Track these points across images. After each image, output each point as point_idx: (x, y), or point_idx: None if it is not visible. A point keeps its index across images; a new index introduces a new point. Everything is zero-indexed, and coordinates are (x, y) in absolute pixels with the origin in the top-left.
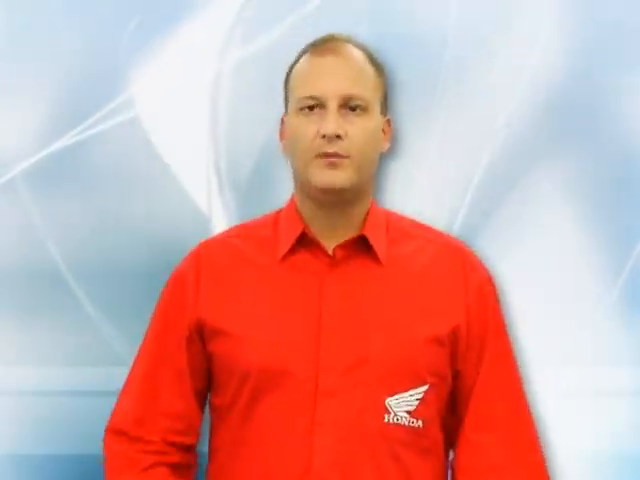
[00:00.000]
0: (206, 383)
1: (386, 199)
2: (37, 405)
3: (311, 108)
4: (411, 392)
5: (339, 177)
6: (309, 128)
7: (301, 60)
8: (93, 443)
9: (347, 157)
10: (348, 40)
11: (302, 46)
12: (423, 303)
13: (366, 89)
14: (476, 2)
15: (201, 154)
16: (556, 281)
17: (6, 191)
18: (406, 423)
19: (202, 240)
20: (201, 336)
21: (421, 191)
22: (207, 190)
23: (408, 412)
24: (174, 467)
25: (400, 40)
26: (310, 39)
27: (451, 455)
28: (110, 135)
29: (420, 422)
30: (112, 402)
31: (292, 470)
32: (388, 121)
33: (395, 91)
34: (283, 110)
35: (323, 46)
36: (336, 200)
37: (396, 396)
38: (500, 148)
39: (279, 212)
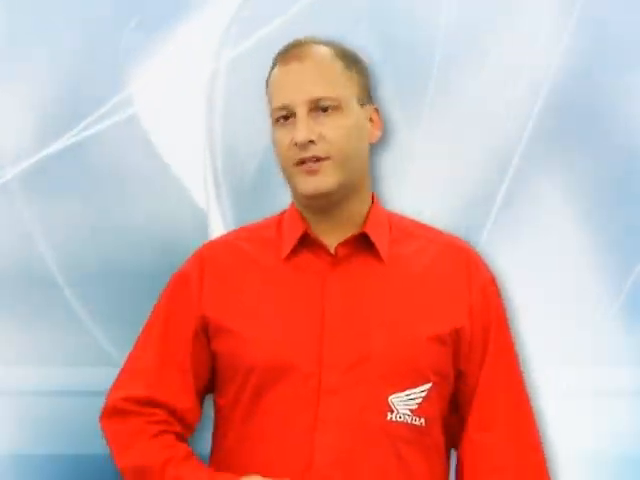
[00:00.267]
0: (206, 383)
1: (385, 199)
2: (37, 405)
3: (286, 118)
4: (414, 390)
5: (321, 182)
6: (285, 138)
7: (272, 71)
8: (93, 443)
9: (327, 158)
10: (313, 41)
11: None
12: (426, 301)
13: (334, 88)
14: (476, 2)
15: (198, 153)
16: (556, 281)
17: (3, 193)
18: (408, 421)
19: (200, 239)
20: (206, 334)
21: (421, 191)
22: (205, 189)
23: (411, 410)
24: (179, 436)
25: (399, 39)
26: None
27: (452, 454)
28: (107, 135)
29: (422, 420)
30: None
31: (294, 466)
32: (376, 110)
33: (395, 91)
34: None
35: (288, 53)
36: (327, 202)
37: (399, 394)
38: (500, 148)
39: (283, 213)
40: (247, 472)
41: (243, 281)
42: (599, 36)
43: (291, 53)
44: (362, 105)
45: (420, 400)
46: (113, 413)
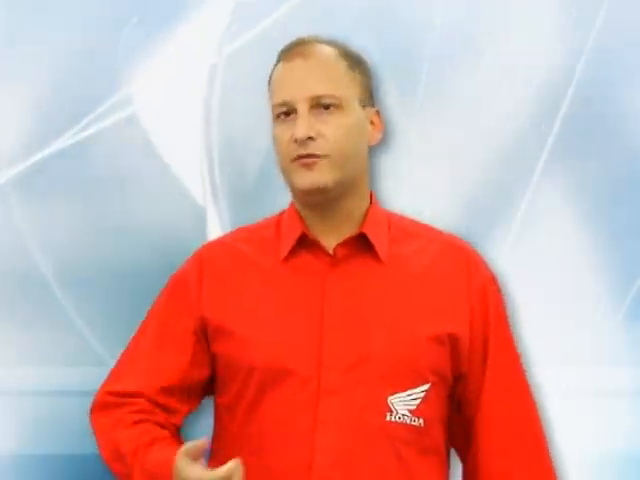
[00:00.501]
0: (204, 383)
1: (385, 199)
2: (37, 405)
3: (287, 114)
4: (413, 391)
5: (316, 177)
6: (285, 134)
7: (275, 68)
8: (92, 443)
9: (325, 156)
10: (317, 40)
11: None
12: (425, 302)
13: (337, 86)
14: (476, 2)
15: (196, 154)
16: (556, 281)
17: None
18: (408, 421)
19: (198, 240)
20: (205, 335)
21: (421, 191)
22: (203, 189)
23: (410, 410)
24: (159, 424)
25: (397, 37)
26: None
27: (452, 455)
28: (104, 136)
29: (421, 420)
30: None
31: (294, 467)
32: (377, 112)
33: (395, 90)
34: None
35: (292, 51)
36: (323, 199)
37: (398, 394)
38: (500, 148)
39: (282, 214)
40: (247, 473)
41: (242, 282)
42: (599, 36)
43: (295, 50)
44: (363, 107)
45: (419, 401)
46: (98, 407)
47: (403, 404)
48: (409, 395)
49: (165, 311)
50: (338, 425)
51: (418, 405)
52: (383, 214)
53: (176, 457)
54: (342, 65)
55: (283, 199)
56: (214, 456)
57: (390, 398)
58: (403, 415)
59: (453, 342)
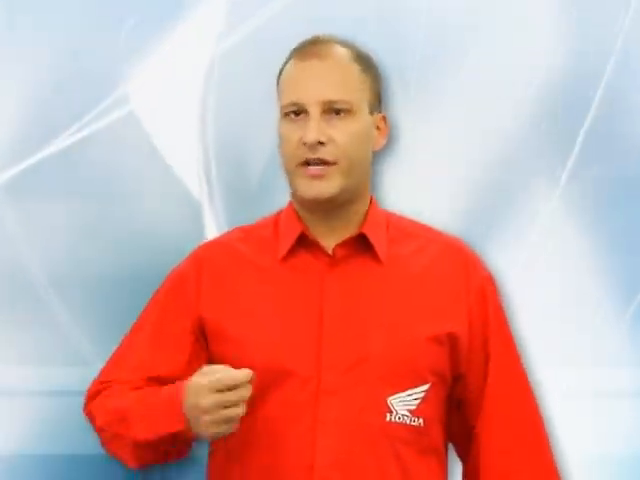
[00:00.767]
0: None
1: (385, 199)
2: (37, 405)
3: (296, 114)
4: (412, 391)
5: (326, 188)
6: (293, 135)
7: (287, 64)
8: (93, 443)
9: (334, 163)
10: (333, 40)
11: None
12: (424, 302)
13: (350, 92)
14: (476, 2)
15: (193, 154)
16: (556, 282)
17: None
18: (407, 422)
19: (195, 240)
20: (203, 335)
21: (420, 191)
22: (200, 190)
23: (409, 411)
24: None
25: (395, 36)
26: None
27: (450, 455)
28: (97, 139)
29: (421, 421)
30: None
31: (295, 468)
32: (383, 117)
33: (395, 90)
34: (274, 108)
35: (307, 49)
36: (328, 207)
37: (397, 395)
38: (500, 148)
39: (280, 213)
40: (248, 474)
41: (240, 282)
42: (599, 36)
43: (310, 50)
44: (372, 112)
45: (419, 401)
46: (90, 397)
47: (403, 404)
48: (409, 395)
49: (163, 309)
50: (338, 425)
51: (418, 405)
52: (382, 214)
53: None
54: (356, 69)
55: (281, 198)
56: (214, 457)
57: (390, 398)
58: (403, 415)
59: (452, 342)
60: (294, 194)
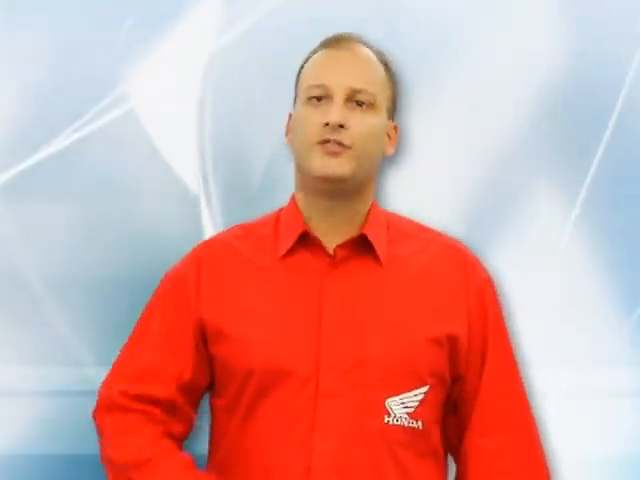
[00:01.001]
0: (204, 383)
1: (385, 199)
2: (37, 405)
3: (319, 99)
4: (411, 393)
5: (340, 166)
6: (315, 117)
7: (314, 55)
8: (93, 443)
9: (349, 147)
10: (361, 40)
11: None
12: (423, 304)
13: (374, 85)
14: (476, 2)
15: (191, 154)
16: (556, 282)
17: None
18: (406, 424)
19: (191, 239)
20: (204, 337)
21: (420, 191)
22: (197, 188)
23: (408, 413)
24: (176, 439)
25: (394, 35)
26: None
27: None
28: (95, 138)
29: (420, 423)
30: None
31: (292, 470)
32: (395, 127)
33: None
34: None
35: (337, 42)
36: (335, 190)
37: (396, 397)
38: (500, 148)
39: (280, 211)
40: (247, 474)
41: (240, 281)
42: (599, 36)
43: (340, 42)
44: (388, 118)
45: (417, 403)
46: (111, 407)
47: (401, 407)
48: (407, 397)
49: (167, 310)
50: (336, 427)
51: (416, 408)
52: (382, 215)
53: None
54: (381, 69)
55: (279, 197)
56: (212, 457)
57: (388, 401)
58: (401, 418)
59: (451, 344)
60: (304, 177)
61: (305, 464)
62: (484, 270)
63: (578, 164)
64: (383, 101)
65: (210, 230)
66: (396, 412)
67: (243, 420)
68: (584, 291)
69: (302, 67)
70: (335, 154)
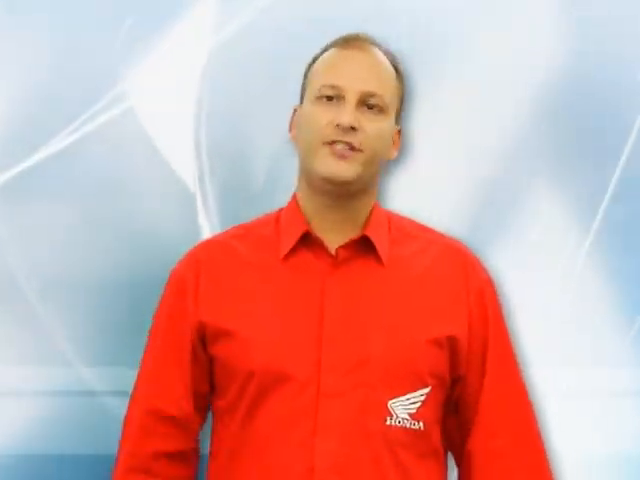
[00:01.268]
0: (208, 387)
1: (385, 199)
2: (37, 405)
3: (329, 98)
4: (413, 394)
5: (347, 169)
6: (324, 116)
7: (326, 53)
8: (92, 443)
9: (359, 150)
10: (373, 42)
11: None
12: (425, 304)
13: (386, 90)
14: (475, 2)
15: (189, 153)
16: (556, 282)
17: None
18: (407, 425)
19: (189, 242)
20: (203, 340)
21: (420, 192)
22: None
23: (409, 414)
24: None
25: (394, 36)
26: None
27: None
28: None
29: (421, 424)
30: (112, 402)
31: (294, 471)
32: (399, 132)
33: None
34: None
35: (349, 42)
36: (339, 192)
37: (397, 398)
38: (500, 148)
39: (280, 211)
40: (248, 475)
41: (240, 282)
42: (599, 36)
43: (353, 43)
44: (395, 121)
45: (419, 404)
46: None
47: (403, 408)
48: (409, 399)
49: (166, 321)
50: (338, 428)
51: (418, 409)
52: (384, 215)
53: None
54: (392, 72)
55: (277, 197)
56: (213, 458)
57: (390, 402)
58: (403, 419)
59: (452, 345)
60: (308, 175)
61: (307, 464)
62: (484, 270)
63: (578, 164)
64: (392, 105)
65: (207, 228)
66: (398, 413)
67: (244, 421)
68: (584, 291)
69: (312, 63)
70: (343, 157)
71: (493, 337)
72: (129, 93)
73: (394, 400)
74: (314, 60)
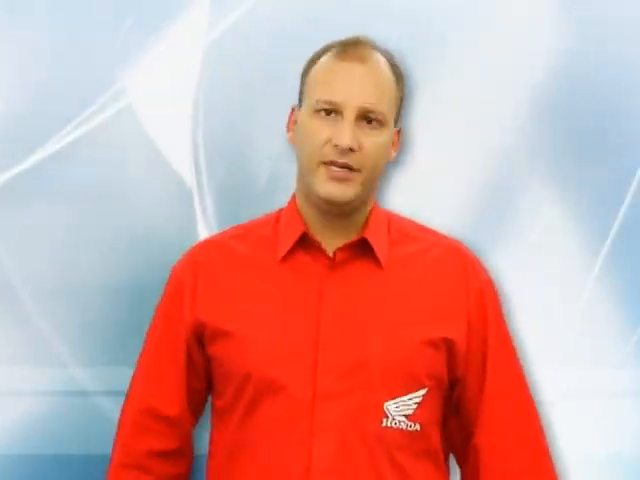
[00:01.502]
0: (204, 387)
1: (385, 199)
2: (36, 405)
3: (328, 112)
4: (409, 396)
5: (345, 192)
6: (322, 132)
7: (324, 58)
8: (92, 443)
9: (358, 171)
10: (374, 46)
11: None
12: (423, 306)
13: (385, 103)
14: (475, 1)
15: (188, 152)
16: (556, 282)
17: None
18: (404, 427)
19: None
20: (200, 340)
21: (420, 192)
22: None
23: (406, 416)
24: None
25: (394, 36)
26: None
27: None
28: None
29: (418, 425)
30: (111, 402)
31: (291, 472)
32: (398, 131)
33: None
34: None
35: (350, 51)
36: (338, 210)
37: (395, 400)
38: (500, 148)
39: (280, 211)
40: (246, 475)
41: (238, 283)
42: (599, 36)
43: (352, 52)
44: (395, 125)
45: (415, 406)
46: (120, 465)
47: (399, 410)
48: (405, 401)
49: (165, 320)
50: (335, 430)
51: (415, 410)
52: (383, 216)
53: None
54: (392, 80)
55: (275, 196)
56: (213, 458)
57: (386, 404)
58: (399, 421)
59: (449, 346)
60: (307, 191)
61: (304, 465)
62: (484, 271)
63: (578, 164)
64: (392, 115)
65: (204, 228)
66: (394, 415)
67: (242, 422)
68: (584, 291)
69: (311, 67)
70: (341, 180)
71: (493, 337)
72: (127, 93)
73: (390, 402)
74: (312, 62)
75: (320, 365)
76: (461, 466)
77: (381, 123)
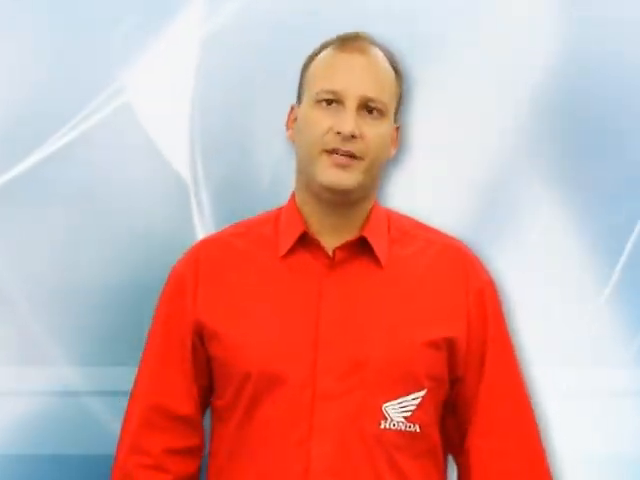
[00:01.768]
0: (208, 384)
1: (385, 198)
2: (37, 405)
3: (329, 102)
4: (408, 397)
5: (348, 179)
6: (323, 122)
7: (324, 53)
8: (92, 443)
9: (360, 159)
10: (373, 42)
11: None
12: (423, 306)
13: (386, 93)
14: (475, 1)
15: (186, 152)
16: (556, 281)
17: None
18: (402, 428)
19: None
20: (201, 338)
21: (420, 191)
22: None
23: (405, 417)
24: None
25: (394, 36)
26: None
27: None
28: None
29: (417, 427)
30: (111, 402)
31: (290, 472)
32: (397, 129)
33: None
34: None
35: (349, 44)
36: (340, 200)
37: (393, 401)
38: (500, 148)
39: (280, 209)
40: (245, 476)
41: (238, 282)
42: (599, 36)
43: (351, 44)
44: (394, 121)
45: (414, 407)
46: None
47: (398, 411)
48: (405, 402)
49: (166, 319)
50: (334, 430)
51: (414, 412)
52: (383, 214)
53: None
54: (391, 73)
55: (274, 195)
56: (213, 458)
57: (385, 405)
58: (398, 422)
59: (449, 346)
60: (308, 181)
61: (303, 466)
62: (484, 270)
63: (578, 164)
64: (392, 106)
65: (201, 227)
66: (393, 417)
67: (241, 421)
68: (584, 291)
69: (310, 62)
70: (344, 166)
71: (492, 337)
72: (126, 91)
73: (389, 403)
74: (311, 58)
75: (319, 365)
76: (458, 465)
77: (382, 113)
